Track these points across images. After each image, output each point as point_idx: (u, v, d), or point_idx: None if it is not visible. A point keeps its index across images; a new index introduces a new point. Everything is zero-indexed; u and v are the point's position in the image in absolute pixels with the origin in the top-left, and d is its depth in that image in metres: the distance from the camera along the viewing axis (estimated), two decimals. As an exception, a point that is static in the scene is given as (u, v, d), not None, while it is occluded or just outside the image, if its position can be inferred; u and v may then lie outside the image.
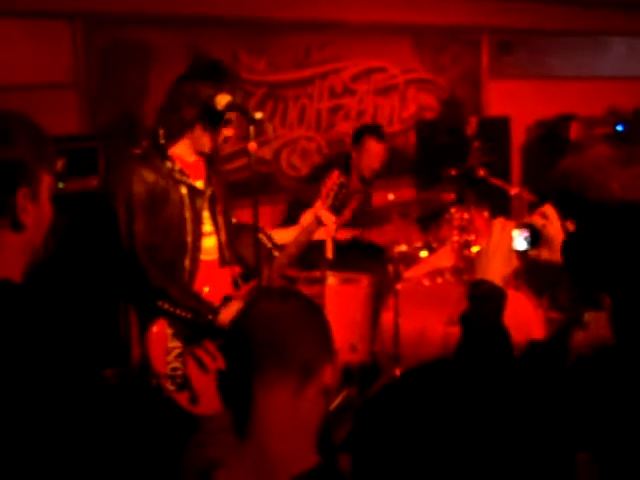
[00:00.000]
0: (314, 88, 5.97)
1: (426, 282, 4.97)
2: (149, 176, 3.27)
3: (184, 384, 3.31)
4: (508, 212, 6.34)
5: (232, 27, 5.50)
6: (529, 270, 6.77)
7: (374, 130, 5.35)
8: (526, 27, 7.05)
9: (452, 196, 5.15)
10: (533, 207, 6.28)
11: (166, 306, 3.26)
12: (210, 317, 3.29)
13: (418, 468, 1.11)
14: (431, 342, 4.63)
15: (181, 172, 3.35)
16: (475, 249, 4.98)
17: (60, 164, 4.32)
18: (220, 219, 3.53)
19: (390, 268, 4.77)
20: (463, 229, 5.00)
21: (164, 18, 5.23)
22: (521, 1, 6.92)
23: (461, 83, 6.74)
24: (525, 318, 4.78)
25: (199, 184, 3.44)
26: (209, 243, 3.48)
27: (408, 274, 4.91)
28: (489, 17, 6.78)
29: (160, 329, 3.32)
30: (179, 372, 3.32)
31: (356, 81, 6.19)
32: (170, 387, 3.30)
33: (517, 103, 6.90)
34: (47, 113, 4.73)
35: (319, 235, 3.72)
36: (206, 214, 3.47)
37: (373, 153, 5.21)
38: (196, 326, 3.31)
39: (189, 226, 3.37)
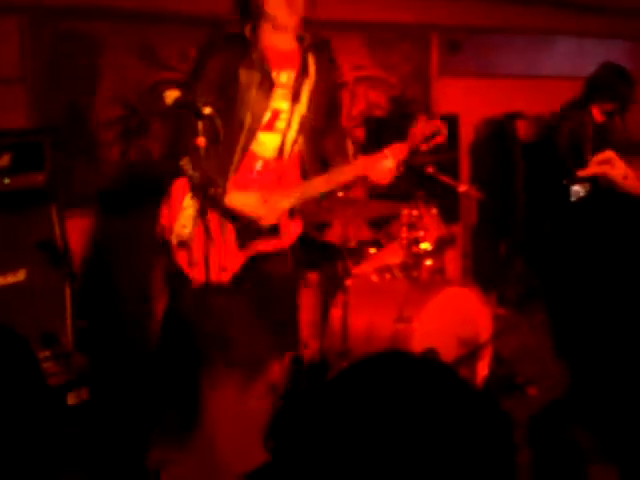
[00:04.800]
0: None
1: (375, 278, 4.99)
2: (227, 56, 3.45)
3: (186, 243, 3.37)
4: (456, 209, 6.40)
5: (183, 23, 5.46)
6: (477, 266, 6.84)
7: None
8: (475, 25, 7.10)
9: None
10: (481, 204, 6.35)
11: (184, 162, 3.31)
12: (219, 191, 3.33)
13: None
14: (380, 338, 4.65)
15: (261, 58, 3.46)
16: (424, 246, 5.01)
17: (6, 159, 4.26)
18: (296, 118, 3.56)
19: (339, 264, 4.78)
20: (412, 226, 5.03)
21: (114, 12, 5.17)
22: (470, 0, 6.97)
23: (411, 81, 6.76)
24: (472, 314, 4.81)
25: (283, 76, 3.50)
26: (274, 139, 3.58)
27: (357, 270, 4.93)
28: (439, 15, 6.82)
29: (181, 184, 3.49)
30: (186, 230, 3.37)
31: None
32: (174, 242, 3.45)
33: (466, 101, 6.95)
34: (-6, 108, 4.71)
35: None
36: (284, 107, 3.53)
37: None
38: (204, 194, 3.37)
39: (249, 112, 3.47)
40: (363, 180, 3.69)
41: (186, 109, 3.25)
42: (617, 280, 1.39)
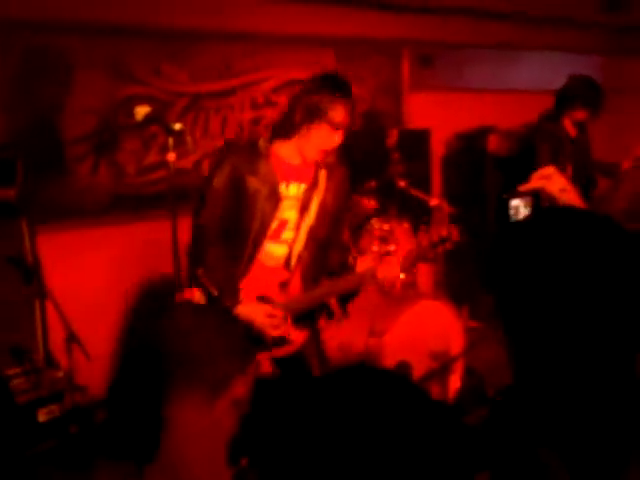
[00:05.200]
0: (236, 99, 5.96)
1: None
2: (235, 168, 3.42)
3: None
4: (428, 223, 6.42)
5: (154, 37, 5.46)
6: (449, 280, 6.87)
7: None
8: (446, 40, 7.15)
9: (373, 206, 5.21)
10: (453, 218, 6.41)
11: (201, 273, 3.29)
12: (229, 304, 3.33)
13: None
14: (353, 352, 4.66)
15: (270, 171, 3.45)
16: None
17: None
18: (304, 229, 3.55)
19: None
20: (383, 239, 5.05)
21: (86, 27, 5.16)
22: (441, 15, 7.01)
23: (382, 95, 6.79)
24: (444, 328, 4.83)
25: (292, 188, 3.49)
26: (281, 250, 3.55)
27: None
28: (410, 30, 6.85)
29: (190, 296, 3.44)
30: None
31: (278, 92, 6.19)
32: None
33: (438, 115, 6.98)
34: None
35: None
36: (292, 217, 3.53)
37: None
38: (217, 305, 3.36)
39: (256, 220, 3.46)
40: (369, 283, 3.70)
41: (155, 124, 3.26)
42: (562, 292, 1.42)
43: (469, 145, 7.04)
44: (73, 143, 5.16)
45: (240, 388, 1.62)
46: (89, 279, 5.18)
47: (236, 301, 3.40)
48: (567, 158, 5.91)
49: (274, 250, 3.55)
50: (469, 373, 5.08)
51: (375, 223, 5.09)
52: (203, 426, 1.59)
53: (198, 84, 5.74)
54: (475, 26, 7.31)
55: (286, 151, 3.52)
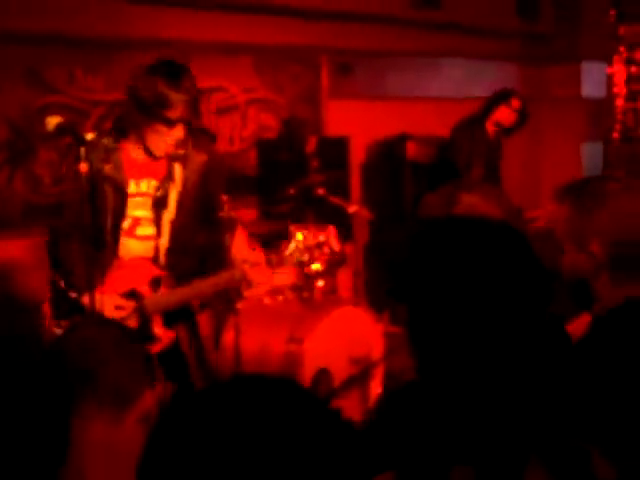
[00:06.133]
0: (154, 107, 5.90)
1: (267, 300, 5.00)
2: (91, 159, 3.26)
3: None
4: (349, 229, 6.46)
5: (68, 45, 5.40)
6: (370, 285, 6.91)
7: None
8: (365, 48, 7.19)
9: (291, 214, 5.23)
10: (372, 224, 6.42)
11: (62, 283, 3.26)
12: (74, 295, 3.28)
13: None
14: (272, 360, 4.66)
15: (117, 169, 3.40)
16: (315, 266, 5.04)
17: None
18: (166, 225, 3.50)
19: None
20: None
21: (-2, 35, 5.09)
22: (360, 23, 7.06)
23: (301, 103, 6.81)
24: (364, 333, 4.87)
25: (143, 185, 3.46)
26: (143, 246, 3.50)
27: (248, 293, 4.92)
28: (328, 38, 6.89)
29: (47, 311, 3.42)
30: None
31: (196, 100, 6.16)
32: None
33: (357, 122, 7.02)
34: None
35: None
36: (145, 214, 3.48)
37: None
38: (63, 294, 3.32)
39: (109, 216, 3.42)
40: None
41: (68, 135, 3.22)
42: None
43: (388, 152, 7.10)
44: (-13, 152, 5.08)
45: (148, 402, 1.61)
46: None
47: (86, 291, 3.31)
48: (481, 161, 6.02)
49: (133, 246, 3.50)
50: (390, 378, 5.11)
51: (294, 231, 5.10)
52: (110, 441, 1.57)
53: (115, 92, 5.67)
54: (394, 34, 7.37)
55: (132, 149, 3.48)
